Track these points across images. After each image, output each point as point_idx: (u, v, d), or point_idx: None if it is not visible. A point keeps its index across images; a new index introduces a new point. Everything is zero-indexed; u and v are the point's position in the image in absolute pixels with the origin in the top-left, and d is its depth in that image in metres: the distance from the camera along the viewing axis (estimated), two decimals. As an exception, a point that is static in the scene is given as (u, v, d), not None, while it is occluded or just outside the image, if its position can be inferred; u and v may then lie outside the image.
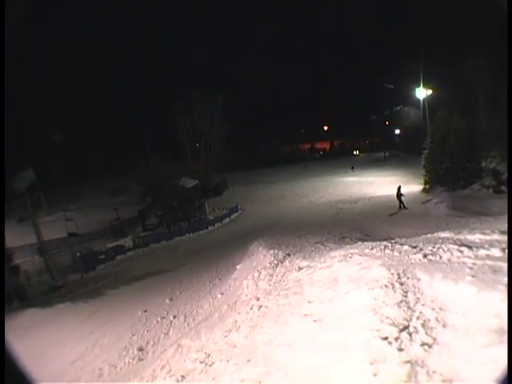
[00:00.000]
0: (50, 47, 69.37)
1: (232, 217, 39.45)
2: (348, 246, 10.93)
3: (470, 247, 6.52)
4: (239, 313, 8.82)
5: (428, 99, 41.03)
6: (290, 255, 13.06)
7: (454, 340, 3.91)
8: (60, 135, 58.00)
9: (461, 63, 37.33)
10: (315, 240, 16.17)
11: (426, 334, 4.16)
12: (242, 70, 73.65)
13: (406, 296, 5.19)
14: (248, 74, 78.01)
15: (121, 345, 11.91)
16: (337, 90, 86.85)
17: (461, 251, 6.44)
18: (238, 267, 15.07)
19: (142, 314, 14.18)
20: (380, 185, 43.69)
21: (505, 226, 7.75)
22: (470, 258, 6.00)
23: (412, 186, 37.46)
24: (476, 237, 7.41)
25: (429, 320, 4.43)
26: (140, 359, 10.43)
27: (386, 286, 5.67)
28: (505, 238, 6.72)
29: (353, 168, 62.58)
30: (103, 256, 27.21)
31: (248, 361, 5.68)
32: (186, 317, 12.84)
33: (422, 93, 40.99)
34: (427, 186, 35.79)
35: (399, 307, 4.92)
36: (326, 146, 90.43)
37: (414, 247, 7.73)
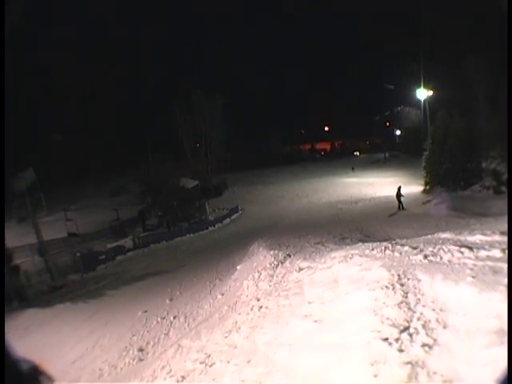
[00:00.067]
0: (49, 47, 69.43)
1: (232, 217, 39.45)
2: (348, 247, 10.94)
3: (470, 248, 6.53)
4: (239, 313, 8.82)
5: (428, 100, 41.06)
6: (290, 256, 13.07)
7: (454, 341, 3.91)
8: (60, 135, 58.04)
9: (461, 63, 37.32)
10: (315, 240, 16.18)
11: (427, 334, 4.16)
12: (241, 70, 73.62)
13: (406, 297, 5.19)
14: (248, 74, 77.87)
15: (121, 345, 11.91)
16: (337, 90, 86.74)
17: (461, 252, 6.44)
18: (238, 268, 15.07)
19: (142, 315, 14.18)
20: (380, 185, 43.70)
21: (505, 227, 7.75)
22: (470, 258, 6.00)
23: (412, 187, 37.47)
24: (476, 238, 7.41)
25: (429, 321, 4.43)
26: (140, 359, 10.42)
27: (386, 286, 5.67)
28: (505, 238, 6.72)
29: (353, 169, 62.58)
30: (103, 256, 27.21)
31: (248, 361, 5.68)
32: (186, 317, 12.84)
33: (422, 93, 41.01)
34: (427, 187, 35.80)
35: (400, 308, 4.92)
36: (327, 146, 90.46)
37: (415, 248, 7.73)
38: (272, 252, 14.04)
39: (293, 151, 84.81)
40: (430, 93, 40.93)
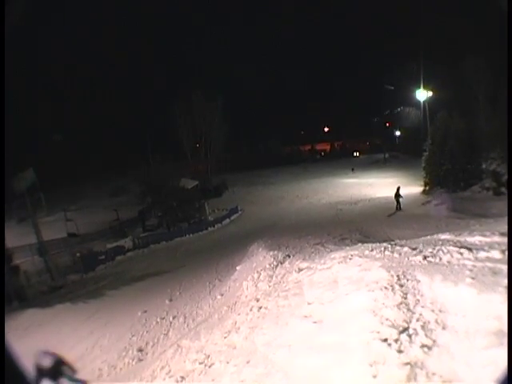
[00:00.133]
0: (50, 47, 69.43)
1: (232, 218, 39.46)
2: (348, 248, 10.92)
3: (469, 249, 6.52)
4: (239, 314, 8.82)
5: (428, 100, 41.03)
6: (289, 256, 13.06)
7: (453, 342, 3.91)
8: (60, 135, 58.02)
9: (460, 63, 37.33)
10: (315, 241, 16.17)
11: (426, 335, 4.16)
12: (241, 70, 73.63)
13: (405, 298, 5.19)
14: (248, 74, 77.96)
15: (120, 345, 11.92)
16: (337, 90, 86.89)
17: (461, 253, 6.44)
18: (237, 268, 15.06)
19: (141, 315, 14.20)
20: (380, 186, 43.72)
21: (505, 228, 7.75)
22: (469, 259, 5.99)
23: (412, 188, 37.50)
24: (476, 239, 7.41)
25: (428, 322, 4.42)
26: (139, 360, 10.43)
27: (385, 287, 5.66)
28: (505, 239, 6.72)
29: (353, 169, 62.60)
30: (103, 256, 27.23)
31: (248, 362, 5.68)
32: (185, 318, 12.85)
33: (422, 94, 40.99)
34: (427, 188, 35.80)
35: (399, 309, 4.92)
36: (327, 147, 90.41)
37: (414, 249, 7.72)
38: (271, 252, 14.03)
39: (293, 152, 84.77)
40: (430, 93, 40.91)
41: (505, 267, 5.07)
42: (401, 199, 28.94)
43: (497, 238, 7.00)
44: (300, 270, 9.57)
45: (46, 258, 24.50)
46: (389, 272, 6.26)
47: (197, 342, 8.77)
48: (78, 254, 26.49)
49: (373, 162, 70.04)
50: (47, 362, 5.84)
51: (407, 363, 3.76)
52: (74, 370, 6.10)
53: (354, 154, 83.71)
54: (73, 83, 64.42)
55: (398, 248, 8.29)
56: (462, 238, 7.84)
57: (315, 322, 5.75)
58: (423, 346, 3.99)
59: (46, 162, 43.46)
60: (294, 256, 13.01)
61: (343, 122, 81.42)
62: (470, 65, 36.34)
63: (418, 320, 4.54)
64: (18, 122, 39.23)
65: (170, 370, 7.81)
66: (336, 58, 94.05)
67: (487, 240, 7.09)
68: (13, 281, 20.20)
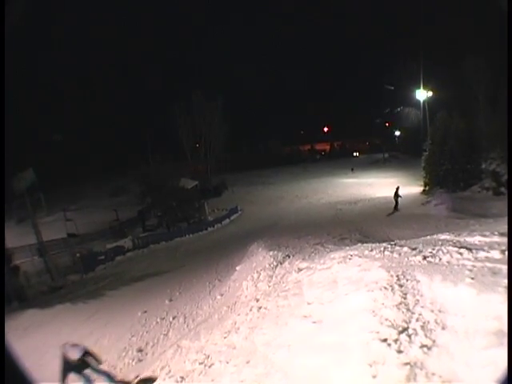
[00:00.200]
0: (50, 47, 69.39)
1: (232, 218, 39.40)
2: (347, 248, 10.92)
3: (469, 249, 6.52)
4: (239, 314, 8.83)
5: (428, 100, 40.96)
6: (289, 256, 13.06)
7: (453, 342, 3.91)
8: (60, 135, 57.99)
9: (460, 63, 37.24)
10: (315, 241, 16.17)
11: (426, 336, 4.16)
12: (241, 70, 73.51)
13: (405, 298, 5.20)
14: (248, 74, 77.80)
15: (120, 346, 11.93)
16: (337, 90, 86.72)
17: (460, 253, 6.44)
18: (237, 268, 15.07)
19: (141, 315, 14.21)
20: (379, 186, 43.67)
21: (504, 228, 7.76)
22: (469, 260, 6.00)
23: (412, 188, 37.48)
24: (475, 239, 7.41)
25: (428, 322, 4.43)
26: (139, 360, 10.45)
27: (385, 287, 5.67)
28: (504, 239, 6.72)
29: (352, 169, 62.52)
30: (103, 257, 27.19)
31: (247, 362, 5.69)
32: (185, 318, 12.87)
33: (422, 94, 40.95)
34: (427, 188, 35.76)
35: (398, 309, 4.92)
36: (326, 147, 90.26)
37: (414, 249, 7.73)
38: (271, 253, 14.03)
39: (292, 152, 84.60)
40: (430, 93, 40.85)
41: (504, 267, 5.07)
42: (399, 199, 28.91)
43: (496, 238, 7.01)
44: (300, 270, 9.58)
45: (46, 259, 24.47)
46: (388, 272, 6.26)
47: (197, 342, 8.78)
48: (77, 255, 26.46)
49: (372, 162, 69.98)
50: (74, 354, 6.17)
51: (407, 363, 3.77)
52: (99, 361, 6.45)
53: (354, 153, 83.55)
54: (73, 83, 64.20)
55: (397, 248, 8.29)
56: (462, 238, 7.85)
57: (315, 322, 5.75)
58: (423, 346, 4.00)
59: (45, 162, 43.36)
60: (293, 256, 13.02)
61: (343, 122, 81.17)
62: (469, 65, 36.22)
63: (417, 320, 4.55)
64: (18, 122, 39.15)
65: (169, 371, 7.82)
66: (336, 58, 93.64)
67: (487, 240, 7.10)
68: (13, 281, 20.19)
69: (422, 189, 36.53)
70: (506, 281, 4.58)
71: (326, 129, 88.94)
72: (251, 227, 31.41)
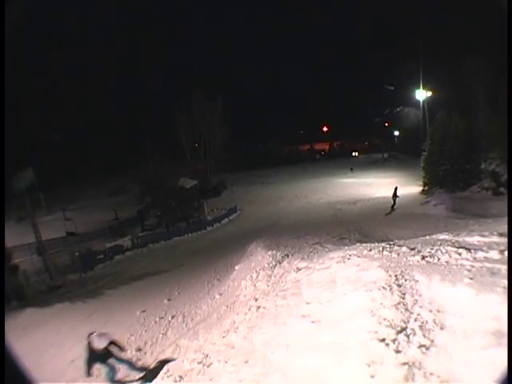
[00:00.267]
0: (50, 47, 69.34)
1: (231, 217, 39.37)
2: (346, 248, 10.92)
3: (468, 249, 6.53)
4: (237, 313, 8.83)
5: (428, 100, 40.96)
6: (288, 256, 13.06)
7: (451, 342, 3.92)
8: (59, 135, 57.92)
9: (460, 63, 37.22)
10: (314, 241, 16.17)
11: (424, 335, 4.17)
12: (241, 70, 73.48)
13: (403, 298, 5.20)
14: (248, 74, 77.79)
15: (119, 345, 11.93)
16: (336, 90, 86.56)
17: (459, 253, 6.44)
18: (236, 268, 15.06)
19: (140, 315, 14.21)
20: (379, 186, 43.64)
21: (503, 228, 7.76)
22: (468, 260, 6.00)
23: (411, 188, 37.47)
24: (474, 239, 7.41)
25: (426, 322, 4.44)
26: (138, 359, 10.43)
27: (383, 287, 5.67)
28: (503, 240, 6.72)
29: (352, 169, 62.44)
30: (102, 256, 27.17)
31: (246, 362, 5.69)
32: (184, 317, 12.87)
33: (421, 94, 40.96)
34: (426, 188, 35.74)
35: (397, 309, 4.93)
36: (325, 147, 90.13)
37: (413, 249, 7.73)
38: (270, 252, 14.03)
39: (292, 152, 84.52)
40: (430, 93, 40.87)
41: (503, 267, 5.07)
42: (397, 199, 28.93)
43: (495, 239, 7.01)
44: (298, 269, 9.58)
45: (45, 258, 24.46)
46: (387, 272, 6.27)
47: (195, 341, 8.79)
48: (76, 254, 26.40)
49: (372, 162, 69.90)
50: (100, 344, 7.48)
51: (405, 363, 3.77)
52: (123, 350, 6.60)
53: (353, 153, 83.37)
54: (73, 83, 64.15)
55: (396, 248, 8.30)
56: (461, 239, 7.85)
57: (313, 322, 5.76)
58: (421, 346, 4.01)
59: (45, 162, 43.30)
60: (292, 256, 13.01)
61: (342, 122, 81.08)
62: (469, 65, 36.19)
63: (415, 320, 4.56)
64: (18, 122, 39.13)
65: (168, 370, 7.83)
66: (336, 58, 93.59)
67: (486, 240, 7.10)
68: (11, 280, 20.18)
69: (421, 189, 36.51)
70: (504, 281, 4.58)
71: (325, 129, 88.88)
72: (250, 227, 31.40)
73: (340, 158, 76.22)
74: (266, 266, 12.50)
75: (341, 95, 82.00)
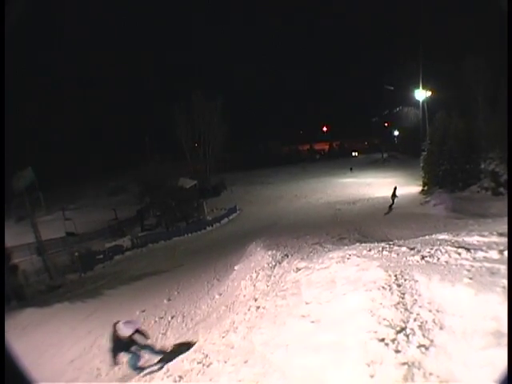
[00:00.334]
0: (50, 47, 69.38)
1: (230, 217, 39.40)
2: (346, 247, 10.91)
3: (467, 249, 6.52)
4: (237, 313, 8.84)
5: (427, 100, 40.96)
6: (288, 256, 13.04)
7: (451, 342, 3.92)
8: (59, 135, 57.94)
9: (460, 63, 37.22)
10: (313, 241, 16.15)
11: (423, 335, 4.17)
12: (241, 70, 73.60)
13: (403, 298, 5.20)
14: (248, 74, 77.97)
15: (119, 345, 11.94)
16: (336, 90, 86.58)
17: (458, 253, 6.44)
18: (236, 268, 15.05)
19: (139, 314, 14.22)
20: (378, 186, 43.64)
21: (503, 228, 7.77)
22: (467, 260, 6.00)
23: (411, 188, 37.50)
24: (474, 239, 7.41)
25: (426, 322, 4.43)
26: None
27: (383, 287, 5.67)
28: (503, 240, 6.72)
29: (351, 169, 62.44)
30: (101, 256, 27.20)
31: (245, 362, 5.69)
32: (183, 317, 12.88)
33: (421, 94, 40.96)
34: (426, 188, 35.77)
35: (396, 309, 4.93)
36: (325, 146, 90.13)
37: (412, 249, 7.72)
38: (270, 252, 14.01)
39: (291, 152, 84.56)
40: (429, 93, 40.87)
41: (502, 267, 5.07)
42: (396, 199, 28.98)
43: (495, 239, 7.01)
44: (298, 269, 9.57)
45: (45, 258, 24.48)
46: (386, 272, 6.26)
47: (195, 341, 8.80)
48: (76, 254, 26.42)
49: (371, 162, 69.91)
50: (126, 332, 7.87)
51: (404, 363, 3.77)
52: (147, 338, 6.72)
53: (353, 153, 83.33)
54: (73, 83, 64.21)
55: (395, 248, 8.29)
56: (460, 238, 7.85)
57: (313, 322, 5.76)
58: (420, 345, 4.01)
59: (45, 162, 43.32)
60: (292, 256, 13.00)
61: (342, 122, 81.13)
62: (469, 65, 36.19)
63: (415, 320, 4.55)
64: (18, 122, 39.12)
65: (168, 370, 7.83)
66: (336, 58, 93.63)
67: (485, 240, 7.10)
68: (11, 280, 20.20)
69: (420, 189, 36.55)
70: (504, 281, 4.58)
71: (325, 129, 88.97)
72: (250, 227, 31.42)
73: (340, 158, 76.20)
74: (266, 266, 12.49)
75: (341, 95, 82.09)
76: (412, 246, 8.02)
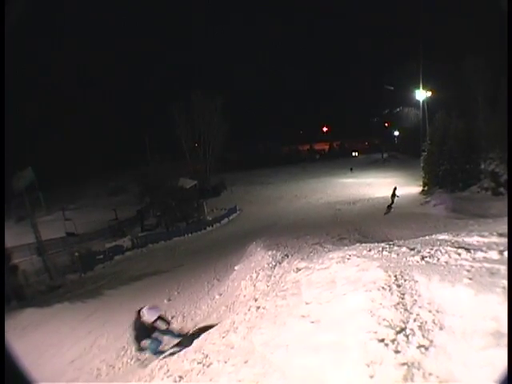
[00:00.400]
0: (49, 47, 69.38)
1: (230, 217, 39.44)
2: (346, 248, 10.89)
3: (467, 249, 6.51)
4: (237, 314, 8.83)
5: (427, 100, 40.99)
6: (288, 256, 13.04)
7: (450, 342, 3.92)
8: (59, 135, 57.94)
9: (460, 63, 37.24)
10: (313, 241, 16.13)
11: (423, 336, 4.17)
12: (242, 70, 73.65)
13: (403, 298, 5.19)
14: (248, 74, 78.03)
15: (119, 345, 11.95)
16: (337, 90, 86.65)
17: (458, 253, 6.43)
18: (236, 268, 15.04)
19: (139, 315, 14.21)
20: (379, 186, 43.67)
21: (503, 229, 7.76)
22: (467, 260, 5.99)
23: (411, 188, 37.54)
24: (474, 239, 7.40)
25: (426, 322, 4.43)
26: (138, 359, 10.44)
27: (383, 287, 5.66)
28: (503, 240, 6.71)
29: (351, 169, 62.47)
30: (101, 256, 27.20)
31: (245, 362, 5.69)
32: (184, 317, 12.87)
33: (421, 94, 40.97)
34: (426, 188, 35.82)
35: (396, 309, 4.92)
36: (325, 147, 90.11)
37: (412, 249, 7.71)
38: (270, 252, 14.01)
39: (291, 152, 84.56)
40: (429, 93, 40.88)
41: (502, 268, 5.07)
42: (396, 199, 29.01)
43: (495, 239, 7.00)
44: (298, 269, 9.56)
45: (45, 258, 24.47)
46: (386, 272, 6.26)
47: (195, 341, 8.79)
48: (76, 254, 26.40)
49: (371, 162, 69.92)
50: (150, 318, 8.52)
51: (404, 363, 3.77)
52: (169, 324, 8.47)
53: (353, 153, 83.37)
54: (73, 83, 64.25)
55: (395, 248, 8.28)
56: (460, 239, 7.84)
57: (313, 322, 5.76)
58: (420, 346, 4.01)
59: (45, 162, 43.30)
60: (292, 256, 12.99)
61: (342, 122, 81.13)
62: (469, 65, 36.21)
63: (415, 320, 4.55)
64: (18, 122, 39.15)
65: (168, 370, 7.83)
66: (336, 57, 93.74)
67: (485, 240, 7.09)
68: (11, 280, 20.19)
69: (420, 189, 36.61)
70: (503, 281, 4.58)
71: (325, 129, 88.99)
72: (250, 227, 31.43)
73: (340, 158, 76.20)
74: (266, 266, 12.49)
75: (341, 95, 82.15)
76: (412, 247, 8.01)
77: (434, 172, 34.47)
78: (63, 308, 17.46)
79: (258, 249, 15.84)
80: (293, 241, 16.90)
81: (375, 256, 8.04)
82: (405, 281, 5.75)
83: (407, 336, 4.24)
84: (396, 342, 4.17)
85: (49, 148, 53.65)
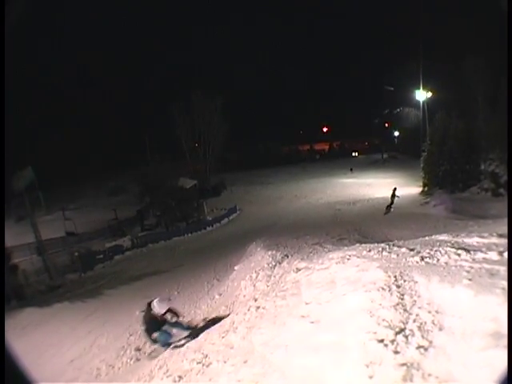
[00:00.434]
0: (50, 47, 69.40)
1: (230, 217, 39.43)
2: (346, 248, 10.90)
3: (467, 250, 6.52)
4: (237, 313, 8.83)
5: (427, 101, 40.98)
6: (288, 256, 13.04)
7: (450, 343, 3.92)
8: (59, 135, 57.94)
9: (460, 63, 37.21)
10: (313, 241, 16.14)
11: (422, 336, 4.17)
12: (241, 70, 73.66)
13: (402, 299, 5.20)
14: (248, 74, 78.03)
15: (118, 345, 11.94)
16: (337, 90, 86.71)
17: (458, 254, 6.44)
18: (236, 268, 15.05)
19: (139, 314, 14.06)
20: (379, 186, 43.65)
21: (502, 229, 7.76)
22: (467, 261, 5.99)
23: (411, 188, 37.53)
24: (474, 240, 7.40)
25: (425, 323, 4.43)
26: (137, 359, 10.46)
27: (382, 288, 5.67)
28: (502, 241, 6.72)
29: (351, 169, 62.44)
30: (101, 256, 27.21)
31: (245, 362, 5.69)
32: (183, 317, 12.86)
33: (421, 94, 40.96)
34: (426, 188, 35.81)
35: (396, 310, 4.93)
36: (325, 147, 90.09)
37: (412, 250, 7.71)
38: (270, 252, 14.01)
39: (291, 152, 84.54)
40: (429, 94, 40.87)
41: (502, 268, 5.07)
42: (396, 199, 29.00)
43: (495, 240, 7.00)
44: (298, 270, 9.56)
45: (45, 257, 24.48)
46: (386, 273, 6.26)
47: (194, 341, 8.79)
48: (76, 254, 26.45)
49: (371, 163, 69.91)
50: (160, 310, 8.56)
51: (403, 364, 3.77)
52: (178, 316, 8.67)
53: (353, 154, 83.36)
54: (73, 83, 64.27)
55: (395, 249, 8.29)
56: (460, 239, 7.84)
57: (312, 322, 5.76)
58: (419, 346, 4.01)
59: (45, 162, 43.31)
60: (292, 256, 12.99)
61: (342, 122, 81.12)
62: (469, 65, 36.13)
63: (414, 321, 4.55)
64: (18, 122, 39.14)
65: (167, 370, 7.82)
66: (336, 58, 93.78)
67: (485, 241, 7.10)
68: (11, 280, 20.20)
69: (420, 189, 36.61)
70: (503, 282, 4.58)
71: (325, 129, 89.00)
72: (250, 227, 31.42)
73: (340, 158, 76.18)
74: (266, 266, 12.49)
75: (341, 95, 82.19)
76: (412, 247, 8.01)
77: (434, 172, 34.48)
78: (63, 308, 17.46)
79: (258, 249, 15.85)
80: (293, 241, 16.90)
81: (375, 256, 8.05)
82: (404, 281, 5.76)
83: (407, 336, 4.25)
84: (395, 343, 4.17)
85: (49, 148, 53.68)
